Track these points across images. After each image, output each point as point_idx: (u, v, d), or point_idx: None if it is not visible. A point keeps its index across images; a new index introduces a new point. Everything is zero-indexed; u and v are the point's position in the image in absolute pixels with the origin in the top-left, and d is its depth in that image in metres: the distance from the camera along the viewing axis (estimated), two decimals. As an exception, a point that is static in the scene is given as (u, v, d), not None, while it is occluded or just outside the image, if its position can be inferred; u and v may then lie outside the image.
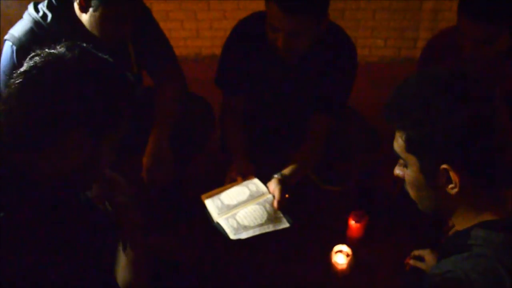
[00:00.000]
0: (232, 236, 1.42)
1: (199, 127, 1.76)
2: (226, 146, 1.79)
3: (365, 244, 1.77)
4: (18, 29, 1.43)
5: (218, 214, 1.48)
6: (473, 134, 0.84)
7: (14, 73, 0.87)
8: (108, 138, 0.94)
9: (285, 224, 1.46)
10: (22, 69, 0.87)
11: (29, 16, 1.43)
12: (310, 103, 1.72)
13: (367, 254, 1.74)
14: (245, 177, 1.58)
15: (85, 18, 1.42)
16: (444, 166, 0.86)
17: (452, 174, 0.86)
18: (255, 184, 1.56)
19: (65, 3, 1.43)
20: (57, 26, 1.42)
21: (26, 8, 1.47)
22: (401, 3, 2.84)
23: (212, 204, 1.51)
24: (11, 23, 1.48)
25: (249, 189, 1.54)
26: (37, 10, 1.44)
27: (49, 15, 1.43)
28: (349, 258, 1.64)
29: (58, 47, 0.90)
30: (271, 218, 1.46)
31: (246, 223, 1.44)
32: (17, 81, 0.85)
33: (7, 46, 1.43)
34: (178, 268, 1.43)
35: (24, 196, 0.89)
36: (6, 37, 1.43)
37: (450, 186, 0.88)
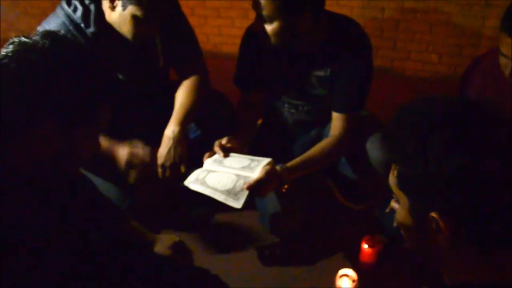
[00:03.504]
0: (185, 182, 1.45)
1: (219, 125, 1.73)
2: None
3: (375, 272, 1.68)
4: (50, 21, 1.47)
5: (208, 165, 1.50)
6: (470, 184, 0.71)
7: None
8: (82, 130, 0.91)
9: (236, 204, 1.38)
10: None
11: (61, 9, 1.47)
12: (324, 100, 1.68)
13: (376, 283, 1.66)
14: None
15: (114, 16, 1.43)
16: (433, 213, 0.76)
17: (441, 224, 0.75)
18: (259, 162, 1.50)
19: None
20: (86, 22, 1.45)
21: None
22: (461, 19, 2.66)
23: (216, 157, 1.53)
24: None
25: (250, 163, 1.50)
26: (69, 3, 1.46)
27: (80, 9, 1.44)
28: (354, 284, 1.57)
29: (33, 36, 0.88)
30: (231, 191, 1.40)
31: (208, 181, 1.43)
32: None
33: None
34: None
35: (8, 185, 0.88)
36: (38, 28, 1.47)
37: (439, 235, 0.77)
